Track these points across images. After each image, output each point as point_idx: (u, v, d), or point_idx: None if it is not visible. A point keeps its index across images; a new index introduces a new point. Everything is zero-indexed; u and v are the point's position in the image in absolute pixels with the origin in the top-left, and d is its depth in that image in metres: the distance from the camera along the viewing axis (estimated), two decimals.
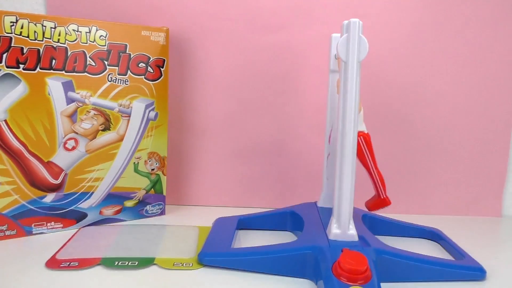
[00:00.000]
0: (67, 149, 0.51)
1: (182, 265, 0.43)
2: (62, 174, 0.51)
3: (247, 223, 0.55)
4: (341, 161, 0.42)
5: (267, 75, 0.63)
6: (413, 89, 0.63)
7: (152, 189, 0.58)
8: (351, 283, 0.36)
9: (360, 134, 0.45)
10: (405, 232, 0.54)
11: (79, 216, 0.53)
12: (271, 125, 0.64)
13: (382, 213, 0.63)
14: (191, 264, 0.44)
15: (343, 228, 0.42)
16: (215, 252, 0.44)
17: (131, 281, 0.40)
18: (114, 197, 0.55)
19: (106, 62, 0.52)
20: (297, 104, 0.64)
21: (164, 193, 0.59)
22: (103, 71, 0.52)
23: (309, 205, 0.55)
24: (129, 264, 0.43)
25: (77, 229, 0.52)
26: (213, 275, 0.42)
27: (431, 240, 0.53)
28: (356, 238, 0.42)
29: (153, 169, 0.57)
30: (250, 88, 0.64)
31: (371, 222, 0.54)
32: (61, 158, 0.51)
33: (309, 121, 0.63)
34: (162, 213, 0.59)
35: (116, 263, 0.43)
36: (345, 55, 0.41)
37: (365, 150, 0.44)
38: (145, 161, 0.57)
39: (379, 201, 0.46)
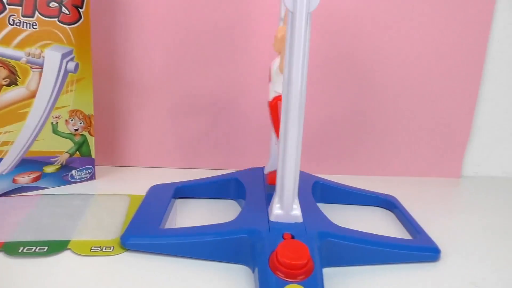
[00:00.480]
0: None
1: (101, 249, 0.37)
2: None
3: (185, 191, 0.49)
4: (285, 128, 0.35)
5: (211, 22, 0.54)
6: (370, 41, 0.56)
7: (78, 152, 0.50)
8: (289, 279, 0.31)
9: (280, 98, 0.39)
10: (359, 200, 0.50)
11: None
12: (217, 78, 0.56)
13: (335, 174, 0.59)
14: (112, 248, 0.38)
15: (286, 209, 0.37)
16: (140, 234, 0.38)
17: (35, 273, 0.34)
18: (30, 163, 0.47)
19: (4, 1, 0.42)
20: (247, 56, 0.56)
21: (93, 156, 0.52)
22: (2, 12, 0.42)
23: (255, 172, 0.49)
24: (36, 250, 0.36)
25: None
26: (136, 262, 0.36)
27: (386, 209, 0.49)
28: (300, 220, 0.37)
29: (77, 130, 0.49)
30: (192, 37, 0.55)
31: (323, 190, 0.49)
32: None
33: (260, 75, 0.56)
34: (92, 177, 0.52)
35: (21, 249, 0.36)
36: (292, 5, 0.33)
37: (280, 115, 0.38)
38: (66, 121, 0.48)
39: None
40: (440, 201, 0.54)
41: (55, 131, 0.48)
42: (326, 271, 0.35)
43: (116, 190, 0.50)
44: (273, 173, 0.43)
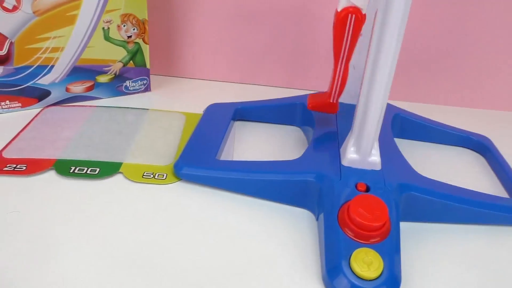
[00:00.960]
0: (5, 9, 0.38)
1: (154, 176, 0.35)
2: (7, 43, 0.39)
3: (245, 113, 0.44)
4: (377, 50, 0.28)
5: None
6: None
7: (132, 61, 0.46)
8: (359, 241, 0.27)
9: (353, 10, 0.30)
10: (445, 139, 0.42)
11: (41, 94, 0.43)
12: None
13: (423, 102, 0.51)
14: (164, 175, 0.35)
15: (363, 153, 0.31)
16: (195, 164, 0.34)
17: (86, 195, 0.32)
18: (82, 71, 0.44)
19: None
20: None
21: (148, 66, 0.47)
22: None
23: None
24: (88, 172, 0.34)
25: (40, 109, 0.43)
26: (189, 193, 0.33)
27: (477, 152, 0.42)
28: (378, 167, 0.31)
29: (130, 36, 0.45)
30: None
31: (403, 124, 0.42)
32: (0, 22, 0.38)
33: None
34: (147, 89, 0.49)
35: (72, 169, 0.34)
36: None
37: (347, 33, 0.30)
38: (118, 26, 0.43)
39: (326, 104, 0.36)
40: None
41: (106, 37, 0.43)
42: (403, 226, 0.31)
43: (172, 105, 0.46)
44: (317, 97, 0.37)
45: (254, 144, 0.41)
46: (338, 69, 0.34)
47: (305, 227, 0.31)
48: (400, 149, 0.37)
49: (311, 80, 0.52)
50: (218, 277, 0.26)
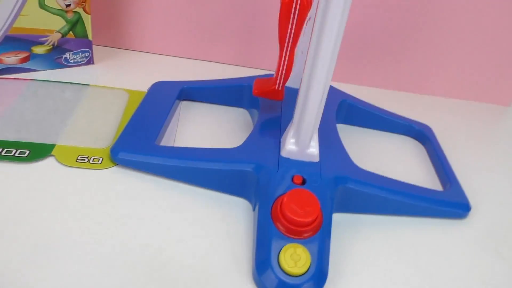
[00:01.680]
0: None
1: (88, 160, 0.33)
2: None
3: (192, 93, 0.43)
4: (319, 32, 0.27)
5: None
6: None
7: (71, 32, 0.43)
8: (290, 236, 0.27)
9: None
10: (389, 126, 0.43)
11: None
12: None
13: (373, 86, 0.52)
14: (100, 160, 0.33)
15: (302, 145, 0.31)
16: (133, 149, 0.33)
17: (13, 180, 0.30)
18: (16, 41, 0.41)
19: None
20: None
21: (90, 38, 0.45)
22: None
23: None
24: (16, 154, 0.32)
25: None
26: (125, 180, 0.32)
27: (418, 140, 0.43)
28: (316, 159, 0.31)
29: (68, 5, 0.41)
30: None
31: (349, 110, 0.42)
32: None
33: None
34: (90, 62, 0.46)
35: None
36: None
37: (292, 17, 0.30)
38: None
39: (271, 91, 0.35)
40: (482, 134, 0.47)
41: (42, 5, 0.40)
42: (339, 217, 0.31)
43: (115, 81, 0.44)
44: (263, 83, 0.36)
45: (198, 126, 0.40)
46: (284, 55, 0.33)
47: (243, 217, 0.31)
48: (344, 136, 0.37)
49: (266, 59, 0.51)
50: (147, 267, 0.26)
